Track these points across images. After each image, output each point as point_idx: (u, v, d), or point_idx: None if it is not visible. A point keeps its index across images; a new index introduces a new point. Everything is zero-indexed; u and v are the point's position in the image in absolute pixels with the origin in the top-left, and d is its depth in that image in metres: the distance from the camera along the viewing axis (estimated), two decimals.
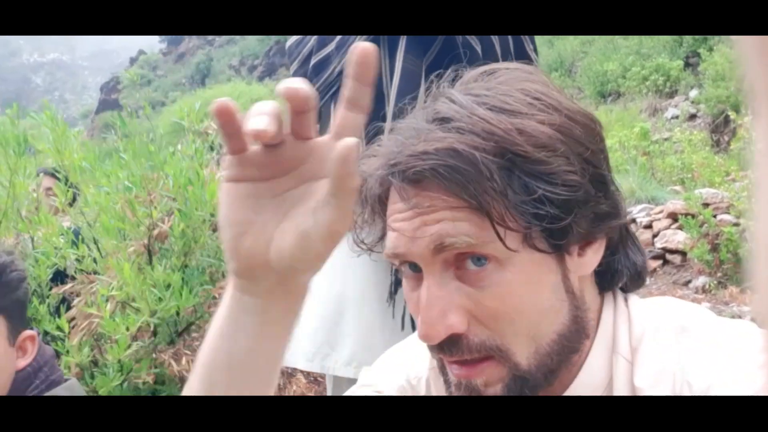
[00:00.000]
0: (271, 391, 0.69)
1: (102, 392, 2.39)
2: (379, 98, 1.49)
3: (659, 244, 5.92)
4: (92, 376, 2.45)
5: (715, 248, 5.26)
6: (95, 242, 2.60)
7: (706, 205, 5.64)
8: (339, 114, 0.59)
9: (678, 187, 7.09)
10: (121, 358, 2.22)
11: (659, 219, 6.04)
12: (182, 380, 2.43)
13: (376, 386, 0.89)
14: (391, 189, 0.72)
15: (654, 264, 5.89)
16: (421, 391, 0.88)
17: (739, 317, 4.17)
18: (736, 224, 5.32)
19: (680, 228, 5.69)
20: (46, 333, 2.45)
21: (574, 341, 0.73)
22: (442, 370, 0.74)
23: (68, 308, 2.60)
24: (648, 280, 5.94)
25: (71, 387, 1.32)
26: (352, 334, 1.66)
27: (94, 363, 2.54)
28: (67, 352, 2.33)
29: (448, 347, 0.68)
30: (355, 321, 1.61)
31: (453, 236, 0.65)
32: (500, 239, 0.64)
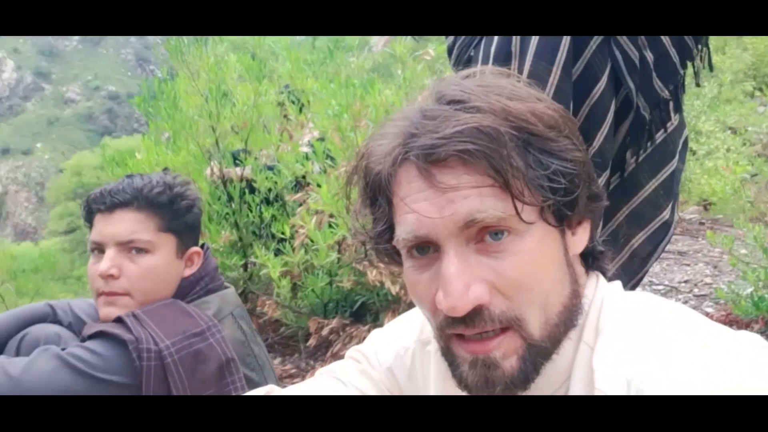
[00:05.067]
0: None
1: (314, 289, 2.81)
2: None
3: None
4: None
5: None
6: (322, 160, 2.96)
7: None
8: None
9: None
10: (323, 263, 2.58)
11: None
12: (375, 288, 2.74)
13: (362, 359, 1.01)
14: (402, 173, 0.76)
15: None
16: (407, 362, 0.98)
17: None
18: None
19: None
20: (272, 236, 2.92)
21: (574, 313, 0.78)
22: (449, 351, 0.78)
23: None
24: None
25: (224, 295, 1.64)
26: None
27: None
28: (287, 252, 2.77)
29: (471, 319, 0.72)
30: None
31: (483, 211, 0.70)
32: (517, 213, 0.70)
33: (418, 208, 0.73)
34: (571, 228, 0.78)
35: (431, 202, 0.72)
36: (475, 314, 0.72)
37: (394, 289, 2.65)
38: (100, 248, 1.51)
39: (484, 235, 0.72)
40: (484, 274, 0.71)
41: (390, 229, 0.79)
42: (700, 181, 6.89)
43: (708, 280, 3.84)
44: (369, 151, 0.80)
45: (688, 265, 4.21)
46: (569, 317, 0.77)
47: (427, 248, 0.75)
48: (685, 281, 3.85)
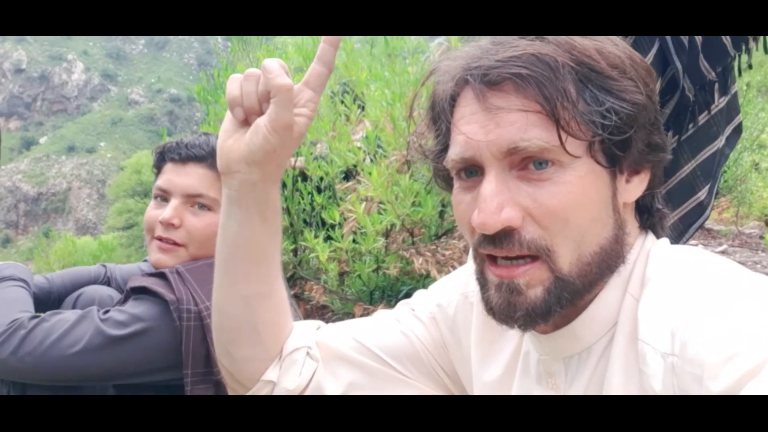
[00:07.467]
0: (268, 281, 0.93)
1: (361, 275, 2.85)
2: None
3: None
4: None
5: None
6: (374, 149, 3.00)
7: None
8: (311, 67, 0.85)
9: None
10: (370, 249, 2.62)
11: None
12: (421, 277, 2.77)
13: (414, 306, 1.06)
14: (462, 95, 0.78)
15: None
16: (450, 312, 1.03)
17: None
18: None
19: None
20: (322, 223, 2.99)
21: (613, 259, 0.78)
22: (481, 274, 0.81)
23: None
24: None
25: None
26: None
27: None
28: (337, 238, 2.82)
29: (500, 240, 0.75)
30: None
31: (526, 140, 0.72)
32: (561, 144, 0.71)
33: (468, 130, 0.75)
34: (624, 173, 0.78)
35: (480, 124, 0.74)
36: (505, 236, 0.74)
37: (439, 278, 2.67)
38: (164, 196, 1.54)
39: (528, 163, 0.73)
40: (521, 199, 0.73)
41: (446, 150, 0.81)
42: (762, 195, 6.69)
43: None
44: (438, 69, 0.82)
45: None
46: (606, 260, 0.77)
47: (474, 171, 0.77)
48: None
